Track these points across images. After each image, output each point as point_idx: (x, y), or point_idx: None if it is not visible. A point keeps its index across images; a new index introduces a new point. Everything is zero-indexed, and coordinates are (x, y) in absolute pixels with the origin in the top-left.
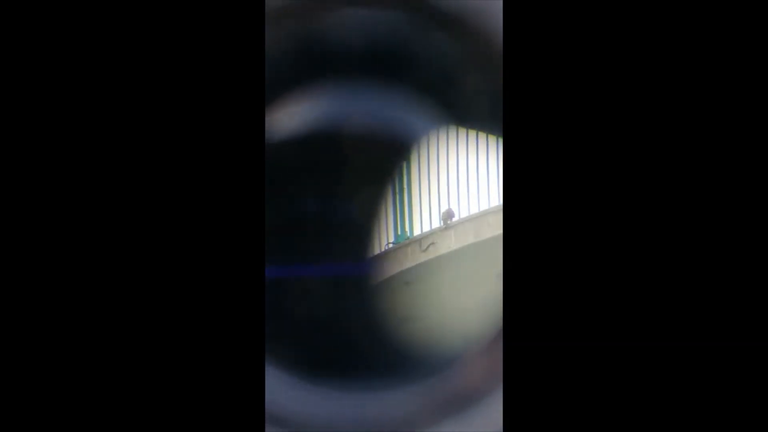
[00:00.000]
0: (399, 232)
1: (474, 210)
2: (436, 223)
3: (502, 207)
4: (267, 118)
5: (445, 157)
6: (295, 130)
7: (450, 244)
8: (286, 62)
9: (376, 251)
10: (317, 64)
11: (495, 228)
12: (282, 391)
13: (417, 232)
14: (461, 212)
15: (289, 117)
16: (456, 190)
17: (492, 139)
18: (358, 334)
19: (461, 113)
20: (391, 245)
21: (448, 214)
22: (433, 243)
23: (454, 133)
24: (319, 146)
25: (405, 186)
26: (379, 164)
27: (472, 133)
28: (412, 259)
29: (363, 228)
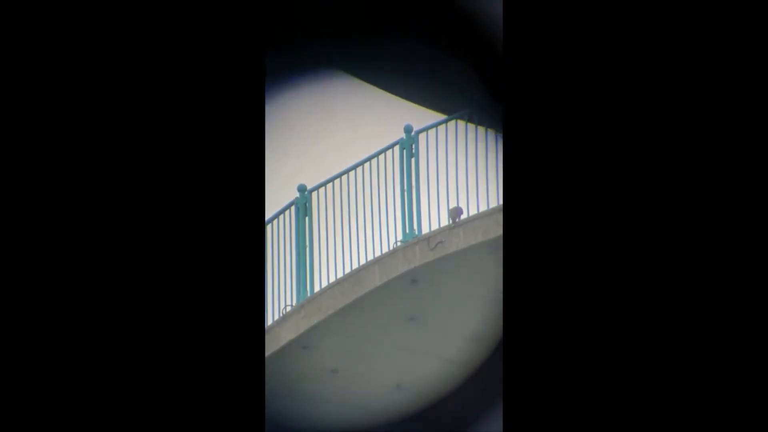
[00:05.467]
0: (407, 231)
1: (483, 208)
2: (445, 222)
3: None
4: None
5: (454, 155)
6: None
7: (458, 242)
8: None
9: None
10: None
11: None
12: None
13: (425, 230)
14: (469, 210)
15: None
16: (465, 188)
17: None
18: None
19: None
20: (399, 243)
21: (457, 212)
22: (441, 241)
23: (463, 131)
24: None
25: (413, 184)
26: None
27: (481, 131)
28: (420, 258)
29: None
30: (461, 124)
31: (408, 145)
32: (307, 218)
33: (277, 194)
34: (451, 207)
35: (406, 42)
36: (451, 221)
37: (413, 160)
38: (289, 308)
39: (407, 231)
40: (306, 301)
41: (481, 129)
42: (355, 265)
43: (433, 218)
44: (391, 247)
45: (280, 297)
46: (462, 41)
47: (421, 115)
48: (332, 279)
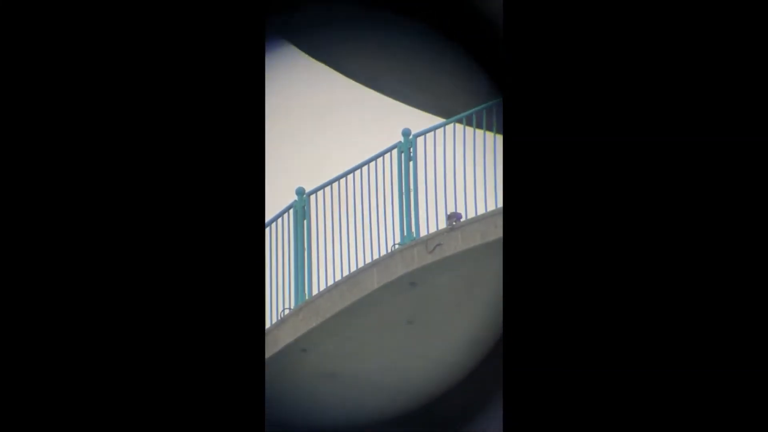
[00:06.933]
0: (405, 234)
1: (481, 211)
2: (443, 225)
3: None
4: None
5: (452, 158)
6: None
7: (456, 245)
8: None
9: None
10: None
11: (502, 229)
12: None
13: (423, 233)
14: (467, 213)
15: None
16: (463, 191)
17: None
18: None
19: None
20: (397, 246)
21: (455, 218)
22: (439, 244)
23: (461, 134)
24: None
25: (412, 187)
26: None
27: (479, 134)
28: (418, 261)
29: None
30: (459, 127)
31: (406, 148)
32: (305, 221)
33: (276, 197)
34: (449, 212)
35: (407, 33)
36: (449, 225)
37: (411, 163)
38: (287, 311)
39: (405, 234)
40: (304, 304)
41: (479, 132)
42: (353, 268)
43: (431, 221)
44: (390, 250)
45: (278, 300)
46: (464, 28)
47: (419, 119)
48: (330, 282)
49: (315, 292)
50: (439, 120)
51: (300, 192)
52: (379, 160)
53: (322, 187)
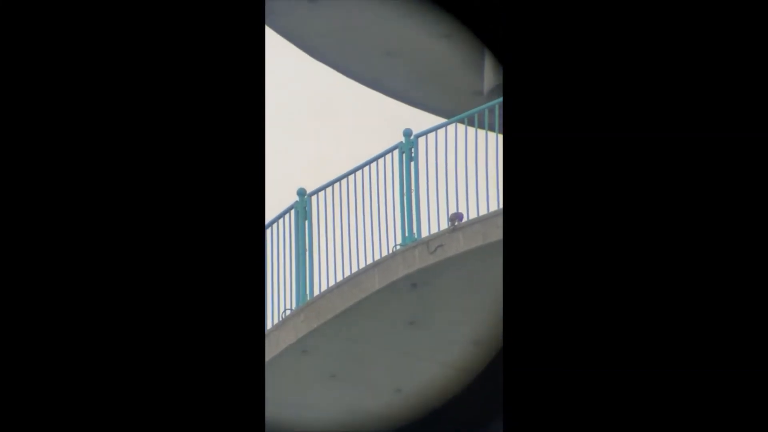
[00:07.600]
0: (407, 234)
1: (483, 211)
2: (445, 225)
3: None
4: None
5: (454, 158)
6: None
7: (458, 246)
8: None
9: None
10: None
11: None
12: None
13: (425, 234)
14: (469, 214)
15: None
16: (464, 191)
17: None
18: None
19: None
20: (399, 247)
21: (456, 218)
22: (441, 245)
23: (463, 134)
24: None
25: (413, 188)
26: None
27: (481, 134)
28: (420, 261)
29: None
30: (461, 127)
31: (407, 148)
32: (306, 222)
33: (277, 198)
34: (451, 212)
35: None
36: (450, 226)
37: (413, 163)
38: (288, 312)
39: (407, 234)
40: (305, 305)
41: (481, 132)
42: (354, 269)
43: (432, 222)
44: (391, 251)
45: (279, 301)
46: (467, 25)
47: (420, 119)
48: (332, 283)
49: (316, 293)
50: (441, 120)
51: (301, 193)
52: (380, 160)
53: (324, 187)
